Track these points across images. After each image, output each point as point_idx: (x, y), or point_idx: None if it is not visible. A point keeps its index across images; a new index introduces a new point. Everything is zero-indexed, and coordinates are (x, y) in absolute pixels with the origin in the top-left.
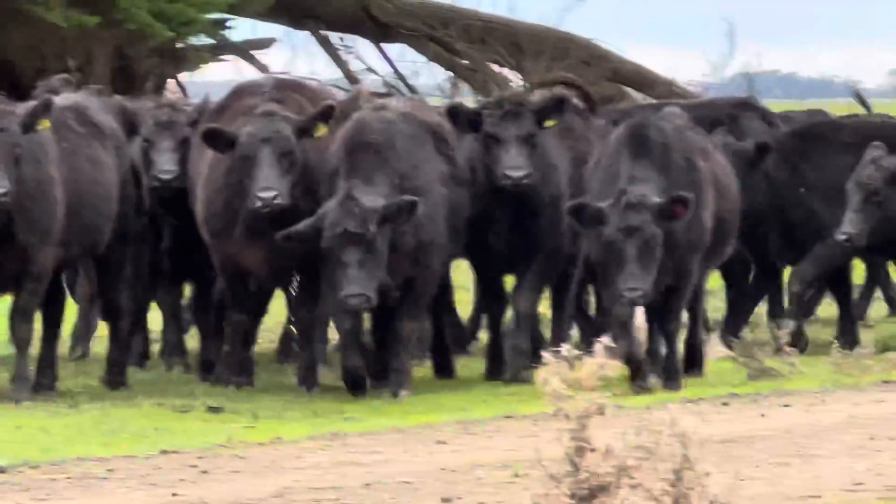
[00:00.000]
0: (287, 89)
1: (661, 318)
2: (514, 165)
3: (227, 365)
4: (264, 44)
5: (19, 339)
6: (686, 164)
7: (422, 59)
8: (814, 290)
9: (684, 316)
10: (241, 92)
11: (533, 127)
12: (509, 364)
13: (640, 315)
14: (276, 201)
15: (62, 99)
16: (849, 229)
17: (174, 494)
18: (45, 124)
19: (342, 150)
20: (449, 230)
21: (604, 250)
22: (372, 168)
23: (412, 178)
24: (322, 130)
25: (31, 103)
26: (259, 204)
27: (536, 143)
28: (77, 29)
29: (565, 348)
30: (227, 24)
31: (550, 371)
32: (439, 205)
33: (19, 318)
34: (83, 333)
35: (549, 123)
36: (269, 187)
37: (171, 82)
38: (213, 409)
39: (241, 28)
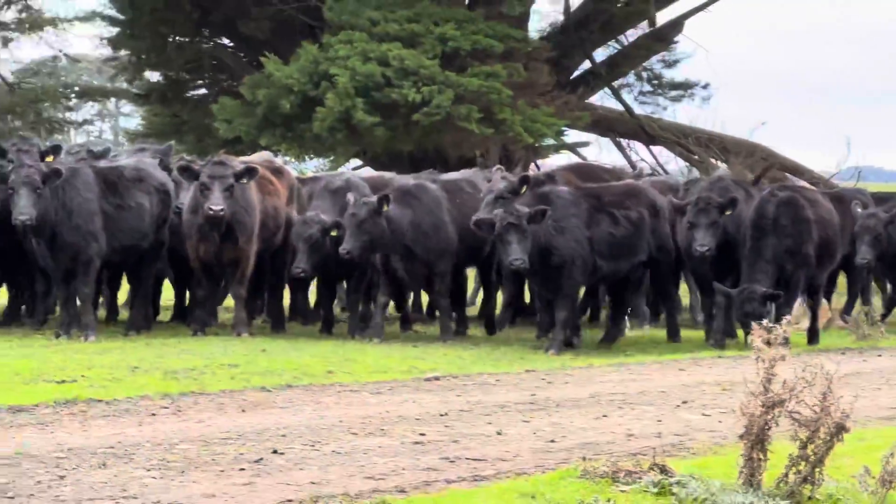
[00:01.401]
0: (596, 168)
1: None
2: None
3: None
4: (583, 144)
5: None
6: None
7: (671, 155)
8: None
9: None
10: (578, 168)
11: (717, 216)
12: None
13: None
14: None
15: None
16: None
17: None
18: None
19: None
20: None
21: None
22: None
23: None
24: None
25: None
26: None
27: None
28: (481, 135)
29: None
30: (564, 132)
31: (755, 334)
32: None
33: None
34: None
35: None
36: None
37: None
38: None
39: (572, 135)
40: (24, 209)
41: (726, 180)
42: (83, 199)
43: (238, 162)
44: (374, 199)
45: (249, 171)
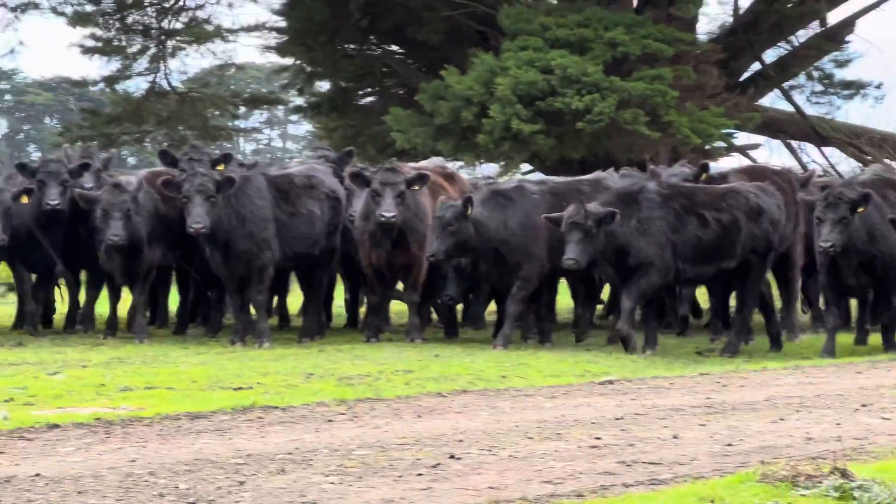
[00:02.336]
0: (767, 170)
1: None
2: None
3: None
4: (754, 147)
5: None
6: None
7: (842, 155)
8: None
9: None
10: (751, 171)
11: (847, 212)
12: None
13: None
14: None
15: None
16: None
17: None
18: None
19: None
20: None
21: None
22: None
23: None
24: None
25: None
26: None
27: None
28: (649, 138)
29: None
30: (734, 134)
31: None
32: None
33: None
34: None
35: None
36: None
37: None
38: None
39: (741, 137)
40: (198, 217)
41: (877, 177)
42: (256, 206)
43: (409, 168)
44: (459, 201)
45: (421, 178)
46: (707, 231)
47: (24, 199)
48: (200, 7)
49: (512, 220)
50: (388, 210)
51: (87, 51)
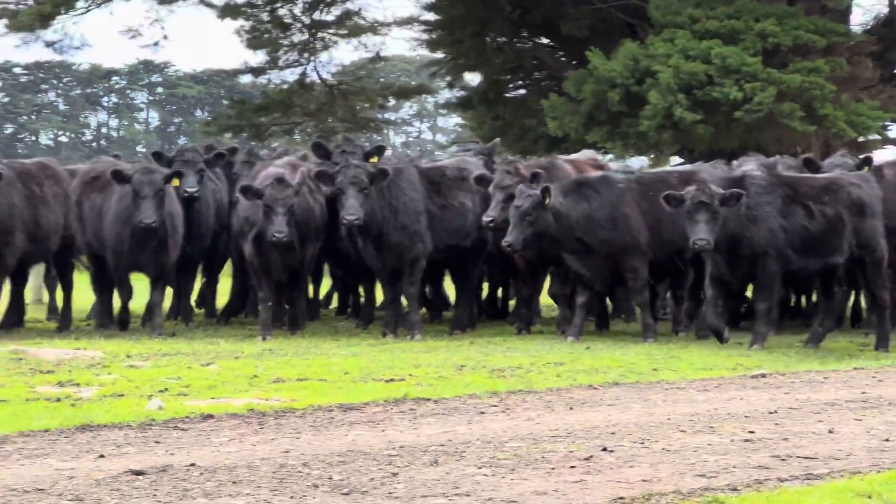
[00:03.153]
0: None
1: None
2: None
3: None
4: None
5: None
6: None
7: None
8: None
9: None
10: None
11: None
12: None
13: None
14: None
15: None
16: None
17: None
18: None
19: None
20: None
21: None
22: None
23: None
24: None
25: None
26: None
27: None
28: (802, 131)
29: None
30: (888, 126)
31: None
32: None
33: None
34: None
35: None
36: None
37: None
38: None
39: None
40: (352, 209)
41: None
42: (409, 198)
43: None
44: (538, 190)
45: (546, 191)
46: (813, 222)
47: (175, 182)
48: None
49: (598, 211)
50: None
51: (243, 43)
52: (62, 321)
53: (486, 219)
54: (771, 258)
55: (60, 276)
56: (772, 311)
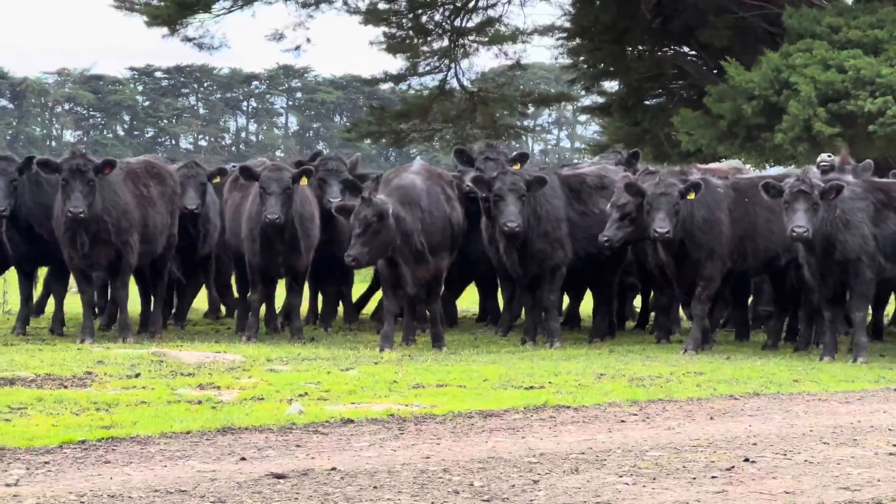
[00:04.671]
0: None
1: None
2: None
3: None
4: None
5: None
6: None
7: None
8: None
9: None
10: None
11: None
12: None
13: None
14: None
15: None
16: None
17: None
18: None
19: None
20: None
21: None
22: None
23: None
24: None
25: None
26: None
27: None
28: None
29: None
30: None
31: None
32: None
33: None
34: None
35: None
36: None
37: None
38: None
39: None
40: (512, 216)
41: None
42: (551, 205)
43: (696, 172)
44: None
45: (695, 186)
46: None
47: (304, 181)
48: (492, 6)
49: (697, 213)
50: (662, 227)
51: (380, 50)
52: (177, 321)
53: (601, 238)
54: (863, 265)
55: (155, 277)
56: (866, 321)
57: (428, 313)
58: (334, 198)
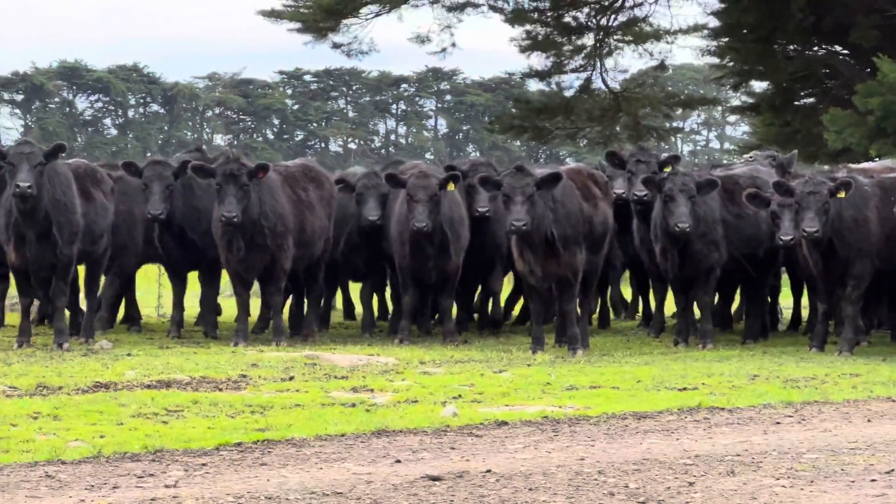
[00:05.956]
0: None
1: None
2: None
3: None
4: None
5: None
6: None
7: None
8: None
9: None
10: None
11: None
12: None
13: None
14: None
15: None
16: None
17: None
18: None
19: None
20: None
21: None
22: None
23: None
24: None
25: None
26: None
27: None
28: None
29: None
30: None
31: None
32: None
33: None
34: None
35: None
36: None
37: None
38: None
39: None
40: (683, 217)
41: None
42: (708, 207)
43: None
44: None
45: (845, 185)
46: None
47: (451, 187)
48: (638, 5)
49: (846, 211)
50: (811, 226)
51: (523, 49)
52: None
53: (785, 237)
54: None
55: (310, 281)
56: None
57: (563, 313)
58: (482, 207)
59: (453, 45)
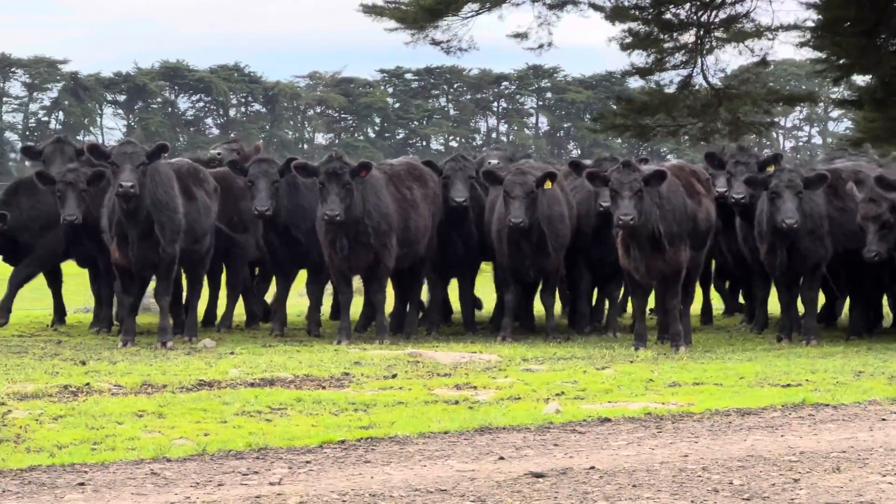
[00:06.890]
0: None
1: None
2: None
3: None
4: None
5: None
6: None
7: None
8: None
9: None
10: None
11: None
12: None
13: None
14: None
15: None
16: None
17: None
18: None
19: None
20: None
21: None
22: None
23: None
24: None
25: None
26: None
27: None
28: None
29: None
30: None
31: None
32: None
33: None
34: None
35: None
36: None
37: None
38: None
39: None
40: (790, 213)
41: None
42: (814, 202)
43: None
44: None
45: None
46: None
47: (548, 185)
48: (740, 1)
49: None
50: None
51: (624, 47)
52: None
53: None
54: None
55: (412, 279)
56: None
57: (665, 309)
58: (459, 197)
59: (550, 43)
